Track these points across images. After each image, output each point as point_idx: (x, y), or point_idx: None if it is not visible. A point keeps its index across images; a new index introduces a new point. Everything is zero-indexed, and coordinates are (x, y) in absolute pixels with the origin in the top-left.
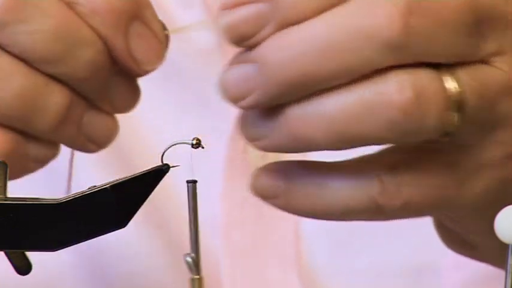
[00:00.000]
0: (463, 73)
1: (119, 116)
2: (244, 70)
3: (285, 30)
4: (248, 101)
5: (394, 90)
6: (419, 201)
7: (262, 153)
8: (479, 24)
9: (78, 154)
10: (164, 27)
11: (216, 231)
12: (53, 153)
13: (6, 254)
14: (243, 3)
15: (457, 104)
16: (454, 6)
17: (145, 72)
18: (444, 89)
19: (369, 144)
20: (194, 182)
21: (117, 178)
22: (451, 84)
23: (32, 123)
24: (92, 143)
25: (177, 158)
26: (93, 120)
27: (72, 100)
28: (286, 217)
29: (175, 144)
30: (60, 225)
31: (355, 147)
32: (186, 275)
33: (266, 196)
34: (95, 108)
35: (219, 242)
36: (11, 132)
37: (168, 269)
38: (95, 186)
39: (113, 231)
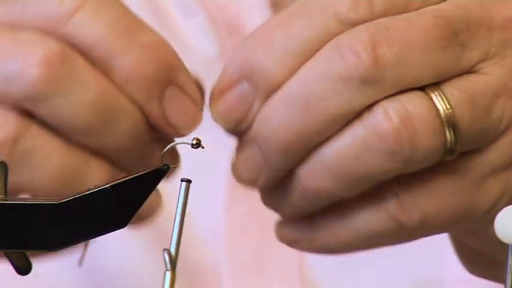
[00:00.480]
0: (451, 88)
1: None
2: (247, 152)
3: (268, 100)
4: (262, 180)
5: (381, 121)
6: (436, 213)
7: None
8: (457, 36)
9: None
10: (200, 88)
11: (219, 245)
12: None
13: (6, 254)
14: (226, 90)
15: (449, 119)
16: (421, 26)
17: (183, 136)
18: (433, 106)
19: (381, 179)
20: (188, 181)
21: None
22: (439, 101)
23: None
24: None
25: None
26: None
27: (112, 174)
28: None
29: (175, 145)
30: (60, 225)
31: (369, 185)
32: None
33: (292, 243)
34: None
35: (222, 256)
36: None
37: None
38: (94, 186)
39: (113, 231)
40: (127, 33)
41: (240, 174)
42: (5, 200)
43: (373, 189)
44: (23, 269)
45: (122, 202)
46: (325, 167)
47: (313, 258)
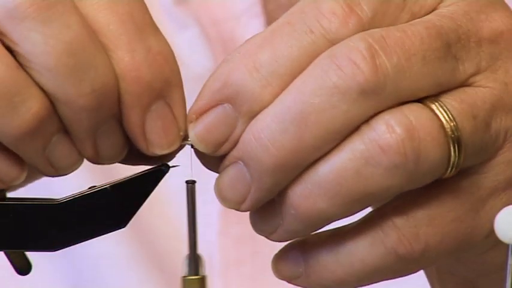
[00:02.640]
0: (449, 99)
1: None
2: (233, 172)
3: (257, 118)
4: (249, 202)
5: (383, 133)
6: (438, 241)
7: None
8: (450, 47)
9: None
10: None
11: (213, 270)
12: (17, 174)
13: (6, 254)
14: (205, 111)
15: (453, 130)
16: (417, 35)
17: (153, 154)
18: (435, 118)
19: (379, 199)
20: (193, 182)
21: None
22: (440, 112)
23: (1, 121)
24: (51, 166)
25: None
26: (61, 146)
27: (49, 114)
28: None
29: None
30: (61, 225)
31: (367, 206)
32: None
33: (289, 279)
34: (66, 134)
35: (216, 282)
36: None
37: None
38: (95, 186)
39: (113, 231)
40: (136, 32)
41: (225, 196)
42: (5, 200)
43: (369, 220)
44: (23, 269)
45: (122, 202)
46: (321, 185)
47: None
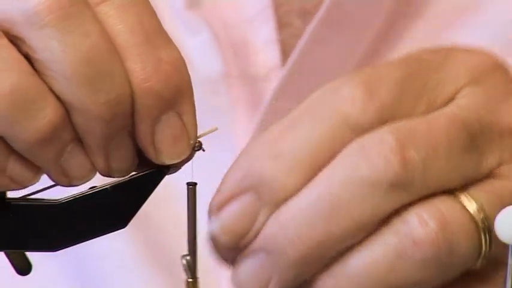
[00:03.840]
0: (477, 191)
1: None
2: (254, 264)
3: (282, 209)
4: None
5: (416, 227)
6: None
7: None
8: (474, 139)
9: None
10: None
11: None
12: (31, 177)
13: (6, 254)
14: (228, 201)
15: (483, 222)
16: (442, 127)
17: (162, 163)
18: (466, 210)
19: None
20: (194, 184)
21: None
22: (470, 203)
23: (17, 128)
24: (65, 176)
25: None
26: (75, 155)
27: (64, 122)
28: None
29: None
30: (61, 226)
31: None
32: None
33: None
34: (81, 144)
35: (214, 281)
36: None
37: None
38: (95, 186)
39: (113, 231)
40: (146, 42)
41: (246, 286)
42: (5, 200)
43: None
44: (23, 269)
45: (122, 202)
46: (351, 279)
47: None
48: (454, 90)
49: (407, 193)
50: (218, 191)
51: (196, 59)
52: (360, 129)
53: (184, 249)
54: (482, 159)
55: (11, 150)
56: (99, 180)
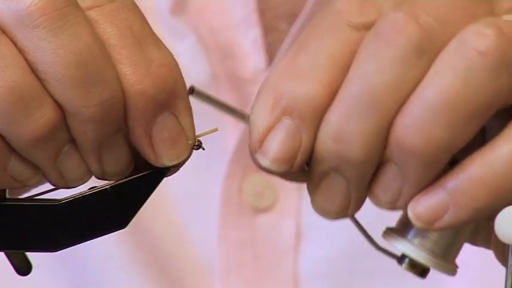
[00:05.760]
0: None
1: None
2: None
3: (326, 120)
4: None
5: (476, 40)
6: None
7: (257, 192)
8: None
9: None
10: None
11: (214, 275)
12: (31, 175)
13: (6, 254)
14: (266, 133)
15: None
16: None
17: (162, 165)
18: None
19: (494, 106)
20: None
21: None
22: (509, 16)
23: (15, 125)
24: (61, 177)
25: None
26: (72, 157)
27: (61, 122)
28: (283, 259)
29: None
30: (61, 226)
31: (485, 120)
32: None
33: (433, 219)
34: (76, 146)
35: (217, 287)
36: None
37: None
38: (95, 186)
39: (113, 231)
40: (137, 45)
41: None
42: (5, 200)
43: None
44: (23, 269)
45: (122, 203)
46: (434, 111)
47: (308, 287)
48: None
49: (435, 45)
50: (253, 126)
51: (183, 64)
52: (364, 26)
53: (180, 250)
54: (494, 5)
55: (12, 149)
56: (99, 181)
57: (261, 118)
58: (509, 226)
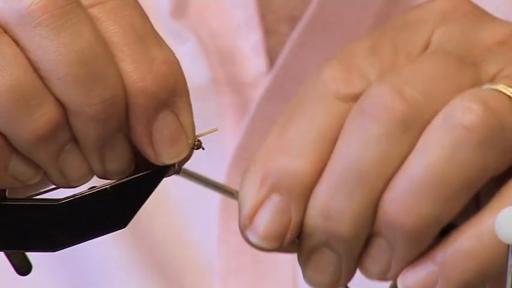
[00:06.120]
0: (493, 81)
1: None
2: (320, 258)
3: (314, 196)
4: (344, 277)
5: (462, 115)
6: None
7: None
8: (462, 59)
9: None
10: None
11: (213, 279)
12: (32, 175)
13: (6, 254)
14: (256, 210)
15: None
16: (427, 61)
17: (162, 164)
18: (497, 90)
19: (480, 182)
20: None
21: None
22: (495, 85)
23: (17, 124)
24: (63, 177)
25: None
26: (73, 156)
27: (63, 121)
28: (283, 264)
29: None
30: (60, 226)
31: (471, 195)
32: None
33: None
34: (77, 146)
35: None
36: None
37: None
38: (95, 186)
39: (113, 231)
40: (139, 43)
41: (318, 281)
42: (5, 201)
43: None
44: (23, 269)
45: (122, 202)
46: (420, 187)
47: None
48: (427, 37)
49: (421, 120)
50: (242, 203)
51: (183, 67)
52: (352, 98)
53: (180, 251)
54: (479, 70)
55: (13, 148)
56: (99, 181)
57: (250, 195)
58: (509, 226)
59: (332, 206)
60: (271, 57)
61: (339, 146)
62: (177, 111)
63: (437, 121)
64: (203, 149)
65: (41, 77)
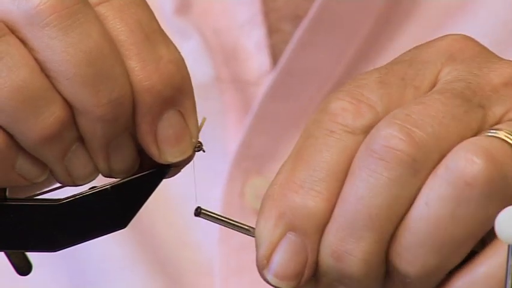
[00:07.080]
0: (497, 126)
1: None
2: None
3: (324, 238)
4: None
5: (464, 168)
6: None
7: (259, 195)
8: (470, 101)
9: None
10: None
11: (214, 279)
12: (39, 173)
13: (6, 254)
14: (273, 251)
15: None
16: (436, 101)
17: (166, 162)
18: (499, 138)
19: (483, 232)
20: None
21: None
22: (497, 132)
23: (24, 124)
24: (69, 175)
25: None
26: (80, 155)
27: (70, 121)
28: None
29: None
30: (61, 226)
31: (474, 243)
32: None
33: None
34: (83, 145)
35: None
36: (1, 132)
37: None
38: (95, 186)
39: (113, 231)
40: (146, 41)
41: None
42: (6, 201)
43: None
44: (23, 269)
45: (122, 202)
46: (424, 243)
47: None
48: (435, 74)
49: (426, 168)
50: (259, 242)
51: (188, 64)
52: (362, 131)
53: (181, 251)
54: (486, 113)
55: (20, 147)
56: (100, 181)
57: (265, 234)
58: (509, 226)
59: (342, 249)
60: (275, 55)
61: (348, 185)
62: (182, 111)
63: (440, 171)
64: (203, 151)
65: (48, 77)
